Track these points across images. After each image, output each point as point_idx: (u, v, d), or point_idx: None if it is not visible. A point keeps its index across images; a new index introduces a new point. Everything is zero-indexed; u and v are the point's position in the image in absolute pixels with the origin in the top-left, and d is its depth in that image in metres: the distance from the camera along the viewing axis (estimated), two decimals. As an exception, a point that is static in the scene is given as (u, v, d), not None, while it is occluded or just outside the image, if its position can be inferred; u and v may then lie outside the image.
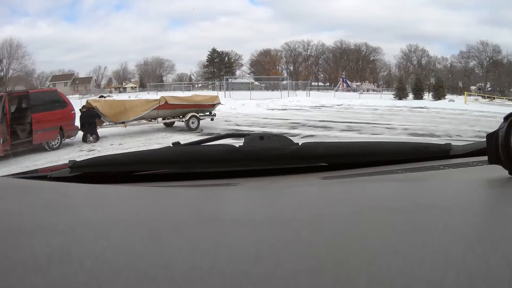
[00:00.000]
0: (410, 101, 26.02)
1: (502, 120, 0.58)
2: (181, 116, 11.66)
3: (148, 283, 0.24)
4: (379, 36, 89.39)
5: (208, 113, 12.24)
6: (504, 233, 0.34)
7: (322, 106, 21.17)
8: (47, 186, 0.71)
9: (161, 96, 11.71)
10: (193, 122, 11.59)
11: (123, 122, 10.50)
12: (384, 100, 27.43)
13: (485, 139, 0.61)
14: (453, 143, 0.98)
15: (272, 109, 18.79)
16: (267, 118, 14.46)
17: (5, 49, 45.68)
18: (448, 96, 31.66)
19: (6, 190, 0.62)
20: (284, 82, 42.42)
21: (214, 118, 12.23)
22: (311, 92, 33.06)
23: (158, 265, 0.27)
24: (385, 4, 71.57)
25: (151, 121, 11.39)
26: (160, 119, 11.61)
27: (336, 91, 50.33)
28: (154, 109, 10.99)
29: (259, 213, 0.46)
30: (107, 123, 10.36)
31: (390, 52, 64.15)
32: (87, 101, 10.66)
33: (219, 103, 12.68)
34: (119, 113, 10.35)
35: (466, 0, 66.23)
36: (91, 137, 9.41)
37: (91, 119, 9.60)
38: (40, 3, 74.25)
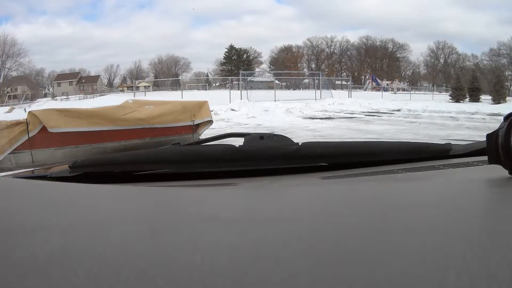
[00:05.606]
0: (472, 105, 20.84)
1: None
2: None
3: (148, 283, 0.24)
4: (401, 35, 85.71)
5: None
6: (504, 233, 0.34)
7: (377, 112, 15.23)
8: (47, 186, 0.71)
9: (30, 112, 4.42)
10: None
11: None
12: (440, 102, 21.98)
13: (485, 139, 0.61)
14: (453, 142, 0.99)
15: (312, 118, 12.54)
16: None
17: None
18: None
19: (6, 190, 0.62)
20: (306, 80, 37.87)
21: None
22: (341, 91, 28.57)
23: (158, 265, 0.27)
24: (407, 3, 68.07)
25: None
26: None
27: (365, 90, 45.63)
28: (20, 146, 4.18)
29: (259, 213, 0.46)
30: None
31: (413, 51, 61.40)
32: None
33: (210, 120, 5.98)
34: None
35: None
36: None
37: None
38: (60, 2, 71.96)
